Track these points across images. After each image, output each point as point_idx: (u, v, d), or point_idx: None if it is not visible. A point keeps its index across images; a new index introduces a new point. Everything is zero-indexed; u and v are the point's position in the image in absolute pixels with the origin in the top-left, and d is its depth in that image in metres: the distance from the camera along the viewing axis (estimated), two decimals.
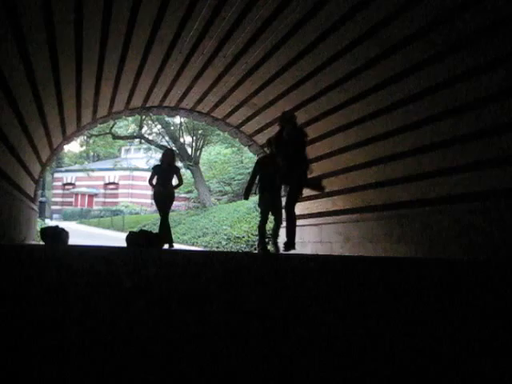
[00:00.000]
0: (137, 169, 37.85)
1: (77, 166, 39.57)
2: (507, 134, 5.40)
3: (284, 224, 7.25)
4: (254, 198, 18.41)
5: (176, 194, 8.83)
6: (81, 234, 16.91)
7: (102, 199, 41.20)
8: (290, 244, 6.81)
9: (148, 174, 8.97)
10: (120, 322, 1.21)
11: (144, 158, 33.23)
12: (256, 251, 11.31)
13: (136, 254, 4.98)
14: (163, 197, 8.35)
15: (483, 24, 4.99)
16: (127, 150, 42.35)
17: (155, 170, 8.63)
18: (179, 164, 18.63)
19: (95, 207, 39.09)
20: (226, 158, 26.52)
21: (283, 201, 7.27)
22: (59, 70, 6.57)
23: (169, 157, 8.57)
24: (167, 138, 25.06)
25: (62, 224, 12.64)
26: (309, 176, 6.94)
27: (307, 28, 6.31)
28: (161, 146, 24.50)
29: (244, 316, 1.34)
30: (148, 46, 7.04)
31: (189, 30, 6.67)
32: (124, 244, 7.55)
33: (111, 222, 27.95)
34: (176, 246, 9.98)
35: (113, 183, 41.67)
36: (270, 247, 7.96)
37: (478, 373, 0.87)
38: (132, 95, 9.26)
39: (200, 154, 24.28)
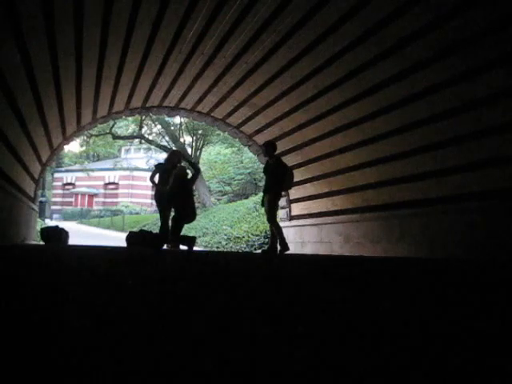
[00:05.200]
0: (137, 169, 37.82)
1: (77, 166, 39.51)
2: (507, 134, 5.40)
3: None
4: (254, 198, 18.41)
5: None
6: (81, 234, 16.91)
7: (102, 199, 41.17)
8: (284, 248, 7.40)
9: (148, 174, 8.90)
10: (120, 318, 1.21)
11: (144, 158, 33.21)
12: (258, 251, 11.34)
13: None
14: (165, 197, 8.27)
15: (483, 24, 4.99)
16: (127, 150, 42.31)
17: (158, 168, 8.51)
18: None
19: (95, 207, 39.07)
20: (226, 158, 26.50)
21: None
22: (59, 69, 6.56)
23: (176, 158, 8.42)
24: (167, 138, 25.04)
25: (62, 224, 12.63)
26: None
27: (307, 28, 6.30)
28: (161, 146, 24.46)
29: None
30: (148, 46, 7.03)
31: (189, 29, 6.66)
32: (124, 244, 7.55)
33: (111, 222, 27.94)
34: None
35: (113, 183, 41.64)
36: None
37: (477, 371, 0.87)
38: (132, 95, 9.24)
39: (200, 154, 24.25)
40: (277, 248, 7.46)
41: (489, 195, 5.73)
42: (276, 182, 7.35)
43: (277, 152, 7.82)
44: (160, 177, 8.30)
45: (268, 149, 7.59)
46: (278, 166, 7.45)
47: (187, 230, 16.16)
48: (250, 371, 0.81)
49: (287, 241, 7.63)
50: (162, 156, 26.04)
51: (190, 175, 8.09)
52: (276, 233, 7.45)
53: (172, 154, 8.71)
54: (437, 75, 5.90)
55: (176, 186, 7.48)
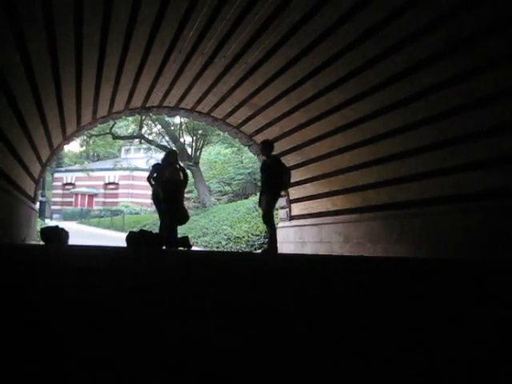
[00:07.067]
0: (137, 169, 37.80)
1: (77, 166, 39.49)
2: (507, 134, 5.41)
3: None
4: (254, 198, 18.40)
5: None
6: (81, 234, 16.90)
7: (102, 199, 41.16)
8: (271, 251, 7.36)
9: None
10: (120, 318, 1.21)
11: (144, 158, 33.18)
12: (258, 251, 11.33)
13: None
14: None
15: (483, 24, 4.99)
16: (127, 150, 42.29)
17: (156, 168, 8.51)
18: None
19: (95, 207, 39.05)
20: (226, 158, 26.49)
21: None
22: (59, 69, 6.57)
23: (172, 157, 8.43)
24: (167, 138, 25.03)
25: (62, 224, 12.63)
26: None
27: (307, 28, 6.30)
28: (161, 146, 24.44)
29: None
30: (148, 46, 7.03)
31: (189, 29, 6.66)
32: (124, 244, 7.55)
33: (111, 222, 27.93)
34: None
35: (113, 183, 41.63)
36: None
37: (476, 371, 0.87)
38: (132, 95, 9.25)
39: (200, 154, 24.24)
40: (277, 247, 7.45)
41: (489, 195, 5.73)
42: (275, 182, 7.33)
43: (277, 152, 7.83)
44: (157, 177, 8.31)
45: (264, 148, 7.58)
46: (277, 165, 7.44)
47: (187, 230, 16.23)
48: (250, 371, 0.81)
49: (287, 241, 7.63)
50: (162, 156, 25.99)
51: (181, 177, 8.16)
52: (270, 233, 7.40)
53: (168, 154, 8.72)
54: (437, 75, 5.90)
55: (166, 191, 7.61)
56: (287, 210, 10.86)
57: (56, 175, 42.45)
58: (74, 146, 46.95)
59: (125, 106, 9.93)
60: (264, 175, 7.48)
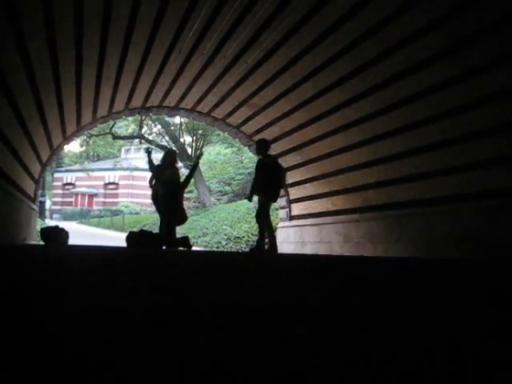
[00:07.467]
0: (137, 169, 37.77)
1: (77, 166, 39.43)
2: (507, 134, 5.41)
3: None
4: (255, 198, 18.36)
5: None
6: (81, 234, 16.90)
7: (102, 199, 41.15)
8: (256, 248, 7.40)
9: (148, 174, 8.90)
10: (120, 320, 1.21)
11: (144, 158, 33.09)
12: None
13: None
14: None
15: (483, 24, 4.99)
16: (127, 150, 42.26)
17: (155, 169, 8.52)
18: (179, 164, 18.51)
19: (95, 207, 39.04)
20: (226, 158, 26.49)
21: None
22: (59, 69, 6.57)
23: (170, 158, 8.41)
24: (167, 138, 25.02)
25: (62, 224, 12.63)
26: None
27: (307, 28, 6.30)
28: (161, 146, 24.45)
29: None
30: (148, 46, 7.04)
31: (189, 30, 6.66)
32: (124, 244, 7.55)
33: (111, 222, 27.92)
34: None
35: (113, 183, 41.62)
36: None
37: (475, 371, 0.87)
38: (132, 95, 9.25)
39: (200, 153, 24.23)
40: (276, 246, 7.45)
41: (489, 195, 5.73)
42: (274, 182, 7.34)
43: (277, 152, 7.83)
44: (156, 178, 8.32)
45: (261, 146, 7.60)
46: (275, 165, 7.47)
47: (187, 230, 16.24)
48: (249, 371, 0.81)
49: (287, 241, 7.63)
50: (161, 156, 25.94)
51: (182, 178, 8.22)
52: (262, 231, 7.40)
53: (167, 154, 8.68)
54: (437, 75, 5.90)
55: (166, 191, 7.62)
56: (287, 209, 10.86)
57: (56, 175, 42.43)
58: (74, 146, 46.96)
59: (125, 106, 9.93)
60: (261, 174, 7.39)
